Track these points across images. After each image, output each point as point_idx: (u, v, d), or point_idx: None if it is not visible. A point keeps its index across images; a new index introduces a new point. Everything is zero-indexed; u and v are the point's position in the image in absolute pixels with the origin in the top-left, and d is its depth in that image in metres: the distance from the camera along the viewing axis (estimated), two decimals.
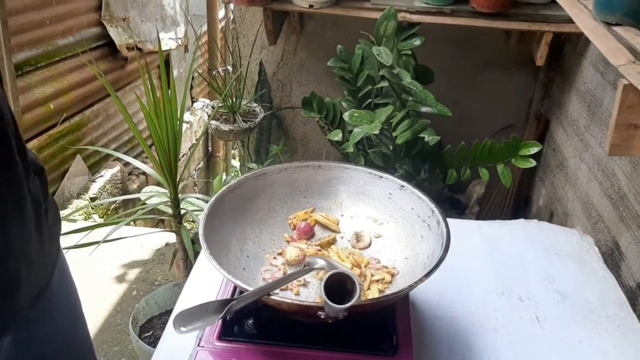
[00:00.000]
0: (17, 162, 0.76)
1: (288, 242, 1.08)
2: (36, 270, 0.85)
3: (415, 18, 2.03)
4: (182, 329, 0.78)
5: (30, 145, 2.63)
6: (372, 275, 1.00)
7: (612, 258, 1.45)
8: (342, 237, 1.10)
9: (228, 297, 0.96)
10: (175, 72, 3.69)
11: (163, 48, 3.36)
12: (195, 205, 2.11)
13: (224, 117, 2.46)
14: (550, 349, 1.07)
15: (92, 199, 2.92)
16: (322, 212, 1.12)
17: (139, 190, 3.05)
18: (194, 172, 3.82)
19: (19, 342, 0.88)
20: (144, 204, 1.97)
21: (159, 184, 2.26)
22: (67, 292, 1.03)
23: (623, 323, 1.13)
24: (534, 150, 1.86)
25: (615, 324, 1.13)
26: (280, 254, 1.05)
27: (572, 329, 1.11)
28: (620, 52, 0.94)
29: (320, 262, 0.97)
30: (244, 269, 1.00)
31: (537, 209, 2.33)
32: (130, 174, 3.26)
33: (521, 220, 1.49)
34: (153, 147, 1.99)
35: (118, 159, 3.07)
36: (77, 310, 1.07)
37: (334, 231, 1.10)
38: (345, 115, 1.90)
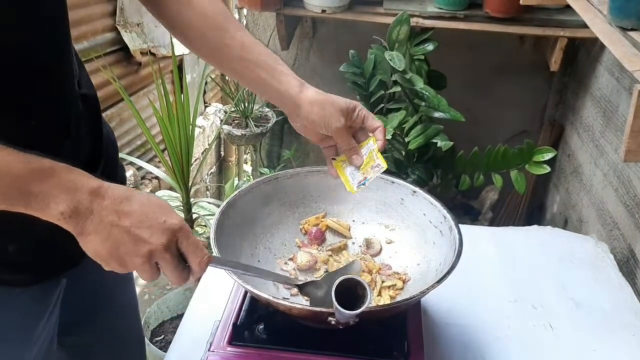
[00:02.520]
0: None
1: (299, 247, 1.07)
2: None
3: (428, 23, 2.03)
4: None
5: None
6: (382, 282, 0.99)
7: (628, 266, 1.43)
8: (353, 243, 1.10)
9: (239, 302, 0.96)
10: (188, 77, 3.71)
11: (176, 53, 3.37)
12: (207, 209, 2.12)
13: (236, 121, 2.47)
14: (564, 357, 1.05)
15: None
16: (334, 218, 1.12)
17: (151, 194, 3.06)
18: (206, 176, 3.83)
19: (70, 289, 0.91)
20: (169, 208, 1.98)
21: (171, 188, 2.27)
22: None
23: (638, 332, 1.11)
24: (548, 156, 1.85)
25: (630, 332, 1.11)
26: (291, 259, 1.05)
27: (586, 338, 1.09)
28: (635, 57, 0.93)
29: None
30: None
31: (552, 216, 2.31)
32: (143, 178, 3.28)
33: (535, 227, 1.48)
34: (166, 152, 2.00)
35: (131, 163, 3.09)
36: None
37: (345, 237, 1.10)
38: None
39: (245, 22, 2.71)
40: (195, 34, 0.96)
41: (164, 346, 1.87)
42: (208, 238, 1.78)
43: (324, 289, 0.88)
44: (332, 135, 0.96)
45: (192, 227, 1.89)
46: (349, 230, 1.11)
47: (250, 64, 0.94)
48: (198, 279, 1.16)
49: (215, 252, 0.89)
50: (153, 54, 3.28)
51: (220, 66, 1.00)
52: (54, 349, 0.94)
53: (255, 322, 0.92)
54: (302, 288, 0.91)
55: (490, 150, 1.91)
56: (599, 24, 1.09)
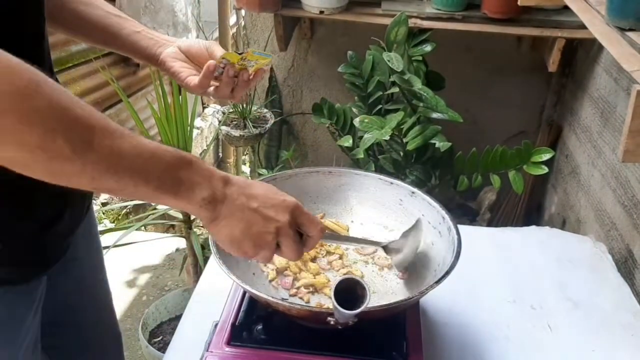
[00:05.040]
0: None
1: None
2: (75, 203, 0.90)
3: (426, 24, 2.03)
4: None
5: None
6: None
7: (626, 266, 1.43)
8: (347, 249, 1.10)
9: (237, 303, 0.96)
10: None
11: None
12: None
13: (234, 122, 2.47)
14: (563, 357, 1.05)
15: (103, 204, 2.93)
16: (332, 218, 1.12)
17: None
18: None
19: (50, 289, 0.92)
20: (155, 209, 1.98)
21: None
22: (92, 245, 1.09)
23: (637, 332, 1.11)
24: (546, 156, 1.85)
25: (629, 332, 1.11)
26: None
27: (585, 338, 1.09)
28: (633, 58, 0.93)
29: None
30: (253, 274, 1.00)
31: (550, 216, 2.31)
32: None
33: (533, 228, 1.48)
34: None
35: None
36: (100, 268, 1.13)
37: None
38: (356, 121, 1.89)
39: (243, 23, 2.71)
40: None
41: (163, 347, 1.87)
42: (207, 239, 1.78)
43: (402, 251, 0.97)
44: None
45: (190, 229, 1.89)
46: (348, 231, 1.11)
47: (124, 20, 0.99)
48: (197, 280, 1.17)
49: (214, 252, 0.89)
50: None
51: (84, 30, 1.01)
52: (38, 349, 0.94)
53: (254, 323, 0.92)
54: (386, 248, 0.98)
55: (488, 150, 1.91)
56: (597, 25, 1.10)
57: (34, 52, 0.78)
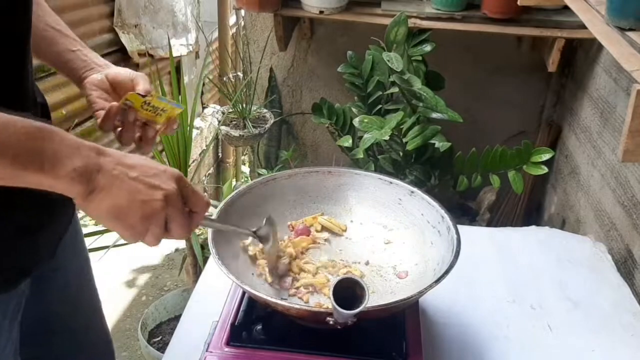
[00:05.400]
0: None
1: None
2: (57, 211, 0.87)
3: (425, 24, 2.03)
4: None
5: None
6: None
7: (626, 266, 1.43)
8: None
9: (237, 303, 0.95)
10: (186, 78, 3.71)
11: (174, 54, 3.37)
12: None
13: (234, 122, 2.47)
14: (563, 357, 1.05)
15: None
16: (328, 217, 1.11)
17: None
18: (204, 177, 3.82)
19: (33, 298, 0.89)
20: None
21: None
22: (77, 251, 1.04)
23: (637, 332, 1.11)
24: (545, 156, 1.85)
25: (629, 333, 1.11)
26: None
27: (585, 338, 1.09)
28: (633, 58, 0.93)
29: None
30: (252, 274, 1.00)
31: (549, 216, 2.31)
32: None
33: (533, 228, 1.48)
34: (163, 153, 2.00)
35: None
36: (86, 274, 1.08)
37: (338, 234, 1.10)
38: (356, 121, 1.89)
39: (242, 23, 2.71)
40: None
41: (162, 347, 1.87)
42: (206, 239, 1.77)
43: (268, 237, 0.94)
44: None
45: None
46: (345, 230, 1.11)
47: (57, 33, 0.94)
48: (196, 280, 1.16)
49: (213, 252, 0.89)
50: (151, 55, 3.27)
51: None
52: None
53: (253, 323, 0.92)
54: (257, 235, 0.94)
55: (488, 150, 1.91)
56: (597, 25, 1.10)
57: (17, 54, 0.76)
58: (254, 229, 0.94)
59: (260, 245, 0.98)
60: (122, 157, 0.67)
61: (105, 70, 0.94)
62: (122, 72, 0.94)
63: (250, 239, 1.01)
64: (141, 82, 0.92)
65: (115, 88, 0.93)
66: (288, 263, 1.01)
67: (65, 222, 0.92)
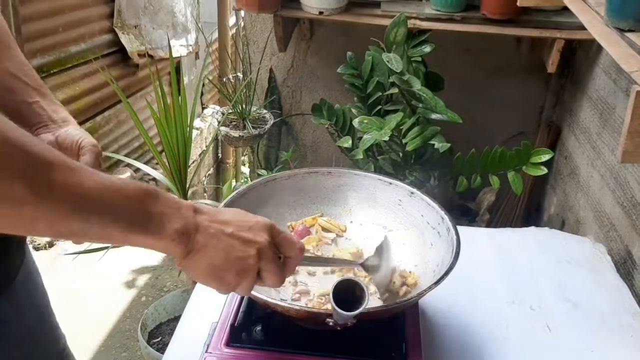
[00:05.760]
0: None
1: None
2: (7, 249, 0.85)
3: (425, 25, 2.03)
4: None
5: None
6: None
7: (625, 267, 1.43)
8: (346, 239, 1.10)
9: (236, 303, 0.95)
10: (185, 79, 3.71)
11: (174, 55, 3.37)
12: None
13: (233, 123, 2.47)
14: (562, 358, 1.05)
15: None
16: (327, 218, 1.11)
17: None
18: (203, 178, 3.83)
19: None
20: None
21: (168, 190, 2.26)
22: (32, 290, 0.98)
23: (636, 333, 1.11)
24: (545, 157, 1.85)
25: (628, 333, 1.11)
26: None
27: (584, 339, 1.09)
28: (632, 59, 0.93)
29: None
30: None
31: (549, 217, 2.31)
32: (140, 179, 3.28)
33: (532, 228, 1.48)
34: (163, 154, 2.00)
35: (129, 165, 3.08)
36: (44, 312, 1.02)
37: (337, 235, 1.10)
38: (355, 122, 1.89)
39: (242, 24, 2.71)
40: None
41: (161, 348, 1.87)
42: None
43: (381, 269, 0.91)
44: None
45: None
46: (345, 231, 1.11)
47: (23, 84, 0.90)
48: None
49: None
50: (151, 56, 3.28)
51: None
52: None
53: (253, 324, 0.92)
54: (364, 266, 0.91)
55: (487, 151, 1.91)
56: (596, 26, 1.10)
57: None
58: (360, 261, 0.92)
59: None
60: (216, 213, 0.69)
61: (57, 130, 0.91)
62: (71, 134, 0.90)
63: None
64: (85, 145, 0.89)
65: (62, 149, 0.89)
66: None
67: (19, 260, 0.89)
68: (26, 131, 0.52)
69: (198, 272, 0.68)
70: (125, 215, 0.59)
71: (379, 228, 1.09)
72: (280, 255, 0.73)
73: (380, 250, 0.92)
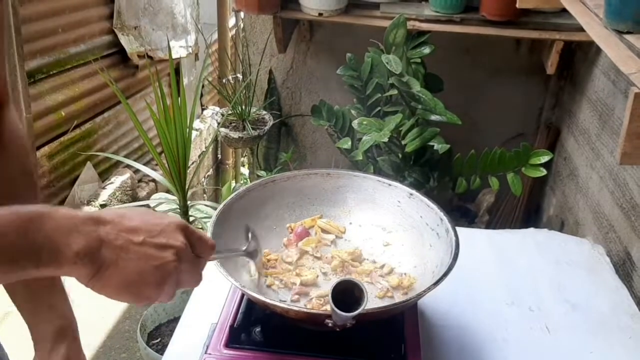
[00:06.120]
0: None
1: (285, 246, 1.07)
2: None
3: (424, 26, 2.03)
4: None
5: (41, 152, 2.65)
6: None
7: (624, 268, 1.43)
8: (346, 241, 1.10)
9: (236, 305, 0.96)
10: (185, 80, 3.71)
11: (173, 56, 3.37)
12: (204, 212, 2.11)
13: (233, 124, 2.47)
14: (561, 359, 1.05)
15: (102, 206, 2.93)
16: (326, 220, 1.12)
17: (148, 197, 3.06)
18: (203, 179, 3.83)
19: None
20: (153, 210, 1.98)
21: (168, 191, 2.27)
22: None
23: (635, 334, 1.11)
24: (544, 159, 1.85)
25: (626, 335, 1.11)
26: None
27: (583, 340, 1.09)
28: (631, 60, 0.93)
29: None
30: (251, 276, 1.00)
31: (548, 218, 2.31)
32: (140, 181, 3.28)
33: (531, 230, 1.48)
34: (163, 154, 2.00)
35: (128, 166, 3.09)
36: None
37: (337, 237, 1.10)
38: (355, 123, 1.90)
39: (242, 25, 2.71)
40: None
41: (161, 349, 1.87)
42: None
43: (257, 251, 0.93)
44: None
45: None
46: (344, 232, 1.11)
47: None
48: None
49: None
50: (150, 57, 3.28)
51: None
52: None
53: (252, 325, 0.92)
54: (249, 254, 0.91)
55: (486, 153, 1.91)
56: (595, 27, 1.10)
57: None
58: (243, 248, 0.91)
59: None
60: (121, 219, 0.60)
61: None
62: None
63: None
64: None
65: None
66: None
67: None
68: None
69: (111, 291, 0.60)
70: (6, 257, 0.52)
71: (378, 229, 1.10)
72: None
73: (255, 236, 0.92)
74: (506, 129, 2.48)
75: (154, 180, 3.12)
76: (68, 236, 0.55)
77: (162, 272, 0.62)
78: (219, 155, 3.86)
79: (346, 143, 1.99)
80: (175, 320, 1.96)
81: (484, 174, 1.94)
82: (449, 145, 1.84)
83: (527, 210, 2.44)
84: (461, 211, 2.40)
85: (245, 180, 3.68)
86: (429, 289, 0.85)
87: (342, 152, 2.09)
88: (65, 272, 0.57)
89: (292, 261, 1.03)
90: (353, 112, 2.05)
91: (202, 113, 4.05)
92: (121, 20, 3.10)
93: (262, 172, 2.47)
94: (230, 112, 2.47)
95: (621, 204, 1.55)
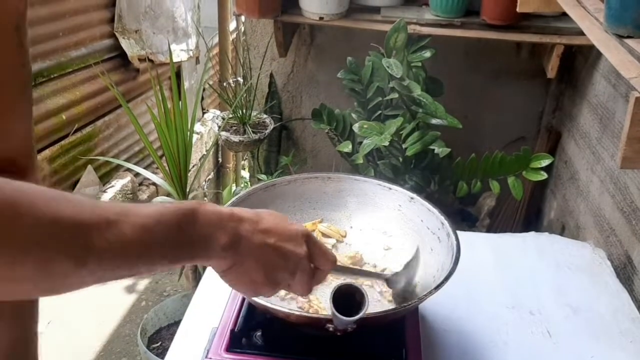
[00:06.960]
0: None
1: None
2: None
3: (425, 30, 2.03)
4: None
5: (42, 155, 2.65)
6: None
7: (625, 272, 1.43)
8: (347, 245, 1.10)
9: (236, 309, 0.95)
10: (186, 84, 3.72)
11: (174, 60, 3.37)
12: None
13: (234, 128, 2.47)
14: None
15: None
16: (327, 224, 1.12)
17: (149, 200, 3.06)
18: (204, 183, 3.83)
19: None
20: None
21: (169, 195, 2.26)
22: None
23: (636, 338, 1.11)
24: (545, 162, 1.85)
25: (627, 339, 1.11)
26: None
27: (584, 344, 1.09)
28: (632, 65, 0.93)
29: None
30: None
31: (549, 222, 2.31)
32: (140, 184, 3.28)
33: (532, 233, 1.48)
34: (163, 158, 2.00)
35: (129, 170, 3.09)
36: None
37: (337, 241, 1.10)
38: (355, 127, 1.90)
39: (243, 29, 2.71)
40: None
41: (161, 353, 1.86)
42: None
43: (402, 284, 0.91)
44: None
45: None
46: (345, 236, 1.11)
47: None
48: (196, 286, 1.13)
49: None
50: (151, 61, 3.28)
51: None
52: None
53: (253, 329, 0.92)
54: (388, 281, 0.91)
55: (487, 156, 1.91)
56: (595, 32, 1.10)
57: None
58: (387, 276, 0.91)
59: None
60: (257, 220, 0.65)
61: None
62: None
63: None
64: None
65: None
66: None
67: None
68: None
69: (238, 286, 0.68)
70: (170, 250, 0.56)
71: (379, 233, 1.10)
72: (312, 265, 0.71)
73: (408, 266, 0.92)
74: (507, 133, 2.48)
75: (154, 184, 3.12)
76: (215, 232, 0.60)
77: (280, 277, 0.67)
78: (220, 159, 3.87)
79: (347, 147, 2.00)
80: (176, 324, 1.96)
81: (485, 177, 1.94)
82: (449, 149, 1.84)
83: (528, 214, 2.44)
84: (462, 215, 2.40)
85: (245, 184, 3.68)
86: (430, 293, 0.85)
87: (343, 156, 2.09)
88: (210, 263, 0.62)
89: None
90: (354, 115, 2.06)
91: (202, 116, 4.05)
92: (122, 24, 3.11)
93: (263, 176, 2.47)
94: (231, 115, 2.47)
95: (622, 207, 1.55)
